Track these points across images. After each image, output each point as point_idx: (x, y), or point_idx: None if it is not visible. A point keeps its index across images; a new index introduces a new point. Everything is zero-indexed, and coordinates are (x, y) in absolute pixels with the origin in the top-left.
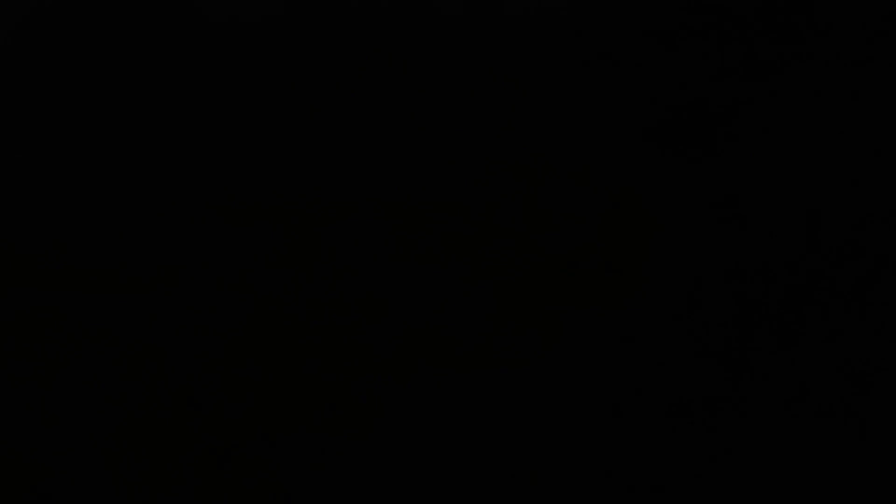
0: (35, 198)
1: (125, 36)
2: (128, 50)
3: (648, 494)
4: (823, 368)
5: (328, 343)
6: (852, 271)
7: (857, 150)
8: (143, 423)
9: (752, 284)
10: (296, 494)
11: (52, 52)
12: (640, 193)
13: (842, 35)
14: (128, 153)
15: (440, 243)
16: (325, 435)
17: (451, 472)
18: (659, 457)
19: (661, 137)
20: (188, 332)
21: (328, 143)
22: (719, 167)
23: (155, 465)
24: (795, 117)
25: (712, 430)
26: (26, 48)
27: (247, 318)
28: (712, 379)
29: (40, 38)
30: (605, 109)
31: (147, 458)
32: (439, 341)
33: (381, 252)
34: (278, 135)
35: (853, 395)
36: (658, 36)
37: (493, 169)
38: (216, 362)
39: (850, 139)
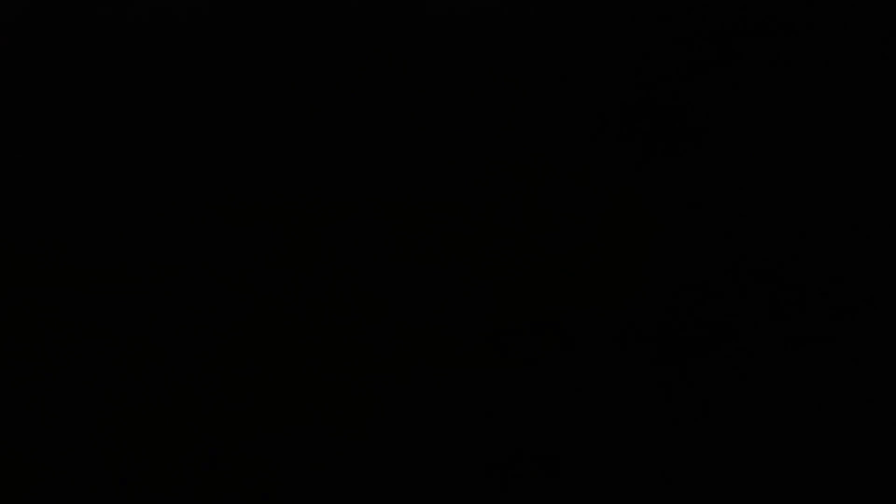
0: (35, 198)
1: (121, 37)
2: (125, 50)
3: (648, 494)
4: (824, 366)
5: (328, 343)
6: (850, 268)
7: (850, 147)
8: (143, 423)
9: (751, 283)
10: (295, 494)
11: (51, 51)
12: (639, 193)
13: (823, 29)
14: (128, 153)
15: (440, 243)
16: (325, 434)
17: (451, 471)
18: (658, 457)
19: (655, 136)
20: (188, 332)
21: (328, 143)
22: (715, 165)
23: (155, 465)
24: (784, 113)
25: (712, 430)
26: (25, 46)
27: (247, 318)
28: (712, 378)
29: (39, 35)
30: (602, 109)
31: (147, 458)
32: (439, 341)
33: (381, 252)
34: (278, 135)
35: (853, 394)
36: (647, 35)
37: (492, 169)
38: (216, 362)
39: (840, 134)
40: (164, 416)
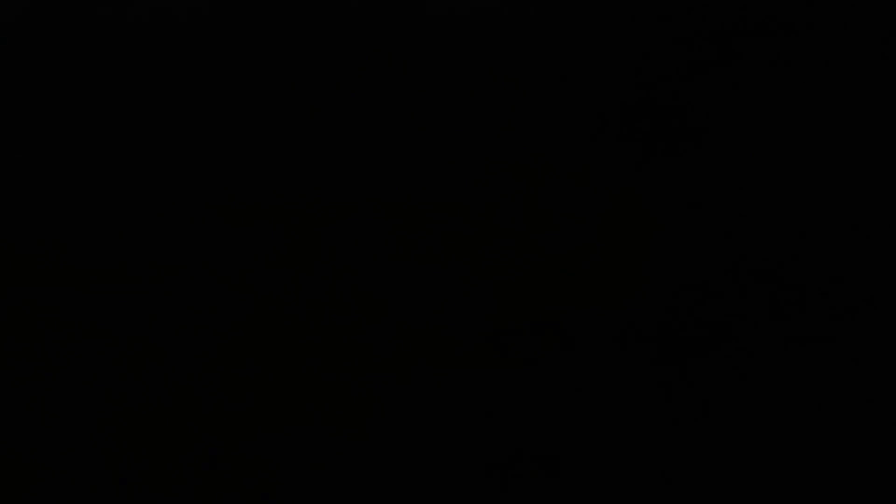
0: (35, 198)
1: (121, 37)
2: (125, 50)
3: (648, 494)
4: (824, 366)
5: (328, 343)
6: (850, 268)
7: (850, 147)
8: (143, 423)
9: (751, 283)
10: (296, 494)
11: (51, 51)
12: (639, 193)
13: (823, 29)
14: (128, 153)
15: (440, 243)
16: (325, 434)
17: (451, 471)
18: (658, 457)
19: (655, 136)
20: (188, 331)
21: (328, 143)
22: (715, 165)
23: (155, 465)
24: (783, 113)
25: (712, 430)
26: (25, 46)
27: (247, 318)
28: (712, 378)
29: (39, 35)
30: (602, 109)
31: (147, 458)
32: (439, 341)
33: (381, 252)
34: (278, 135)
35: (853, 394)
36: (647, 35)
37: (492, 169)
38: (216, 362)
39: (840, 134)
40: (164, 416)
